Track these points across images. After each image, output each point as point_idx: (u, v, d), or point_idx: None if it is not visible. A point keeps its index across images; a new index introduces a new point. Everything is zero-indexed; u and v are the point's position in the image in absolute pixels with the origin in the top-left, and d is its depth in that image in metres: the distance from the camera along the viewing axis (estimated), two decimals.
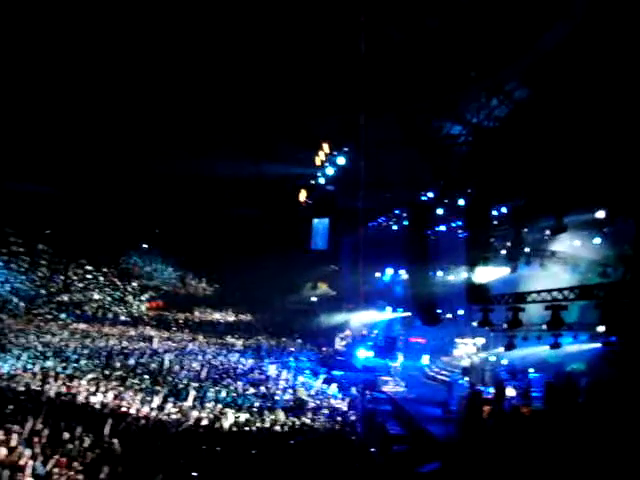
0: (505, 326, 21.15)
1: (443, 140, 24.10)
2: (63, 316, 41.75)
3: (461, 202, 26.71)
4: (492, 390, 20.33)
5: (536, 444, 14.49)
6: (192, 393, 20.04)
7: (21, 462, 10.40)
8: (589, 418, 15.57)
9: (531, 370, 24.45)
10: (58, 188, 42.88)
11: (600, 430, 13.91)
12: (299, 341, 41.09)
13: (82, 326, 37.75)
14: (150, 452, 12.61)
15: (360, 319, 39.99)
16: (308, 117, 26.76)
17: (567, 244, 23.87)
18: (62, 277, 47.42)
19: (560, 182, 18.82)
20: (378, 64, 19.47)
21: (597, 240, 21.91)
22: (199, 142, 30.97)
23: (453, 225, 30.32)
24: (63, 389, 17.90)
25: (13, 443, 11.29)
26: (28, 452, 10.85)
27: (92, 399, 17.07)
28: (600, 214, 19.85)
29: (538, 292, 20.48)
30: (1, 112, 27.74)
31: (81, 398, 17.02)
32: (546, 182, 19.62)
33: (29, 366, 21.82)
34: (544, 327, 20.64)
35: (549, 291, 19.80)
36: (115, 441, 12.80)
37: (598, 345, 21.93)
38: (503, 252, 25.41)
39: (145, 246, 52.38)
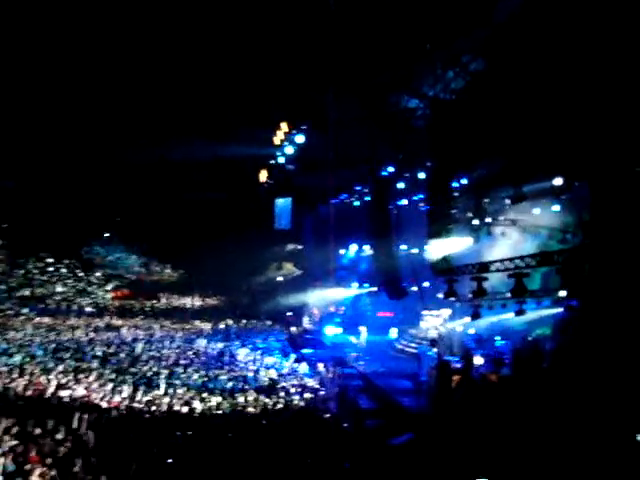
0: (470, 296, 21.43)
1: (401, 114, 24.12)
2: (25, 310, 41.02)
3: (421, 175, 26.84)
4: (460, 360, 20.63)
5: (504, 410, 14.81)
6: (162, 380, 19.99)
7: None
8: (554, 382, 15.95)
9: (497, 338, 24.88)
10: (14, 180, 41.95)
11: (564, 393, 14.28)
12: (267, 322, 41.16)
13: (46, 320, 37.18)
14: (123, 442, 12.53)
15: (327, 296, 40.13)
16: (265, 96, 26.55)
17: (527, 212, 24.20)
18: (22, 271, 46.53)
19: (518, 151, 19.03)
20: (333, 40, 19.35)
21: (556, 207, 22.24)
22: (157, 127, 30.54)
23: (415, 198, 30.46)
24: (31, 385, 17.64)
25: None
26: None
27: (61, 393, 16.88)
28: (558, 181, 20.14)
29: (501, 261, 20.79)
30: None
31: (50, 392, 16.81)
32: (504, 152, 19.82)
33: None
34: (508, 295, 21.00)
35: (511, 259, 20.11)
36: (88, 433, 12.70)
37: (561, 310, 22.44)
38: (465, 223, 25.62)
39: (107, 235, 51.63)
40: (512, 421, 13.82)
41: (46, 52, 23.34)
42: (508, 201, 23.57)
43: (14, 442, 11.51)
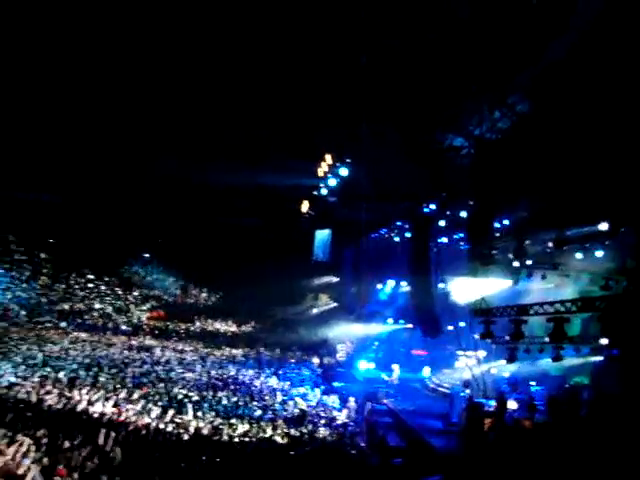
0: (507, 338, 21.08)
1: (445, 152, 24.13)
2: (64, 325, 41.71)
3: (463, 214, 26.73)
4: (493, 403, 20.22)
5: (538, 457, 14.41)
6: (192, 404, 20.04)
7: (20, 472, 10.35)
8: (591, 431, 15.48)
9: (533, 383, 24.33)
10: (61, 197, 43.10)
11: (602, 444, 13.83)
12: (299, 352, 41.01)
13: (83, 335, 37.66)
14: (149, 462, 12.55)
15: (361, 331, 39.88)
16: (311, 128, 26.86)
17: (569, 256, 23.82)
18: (63, 286, 47.45)
19: (563, 194, 18.82)
20: (380, 76, 19.56)
21: (599, 253, 21.84)
22: (201, 152, 31.07)
23: (455, 237, 30.30)
24: (63, 398, 17.85)
25: (12, 452, 11.24)
26: (27, 462, 10.80)
27: (91, 408, 17.01)
28: (603, 226, 19.78)
29: (540, 304, 20.41)
30: (5, 120, 27.90)
31: (81, 407, 16.96)
32: (549, 194, 19.62)
33: (29, 375, 21.79)
34: (546, 339, 20.59)
35: (551, 303, 19.72)
36: (115, 450, 12.76)
37: (600, 358, 21.89)
38: (505, 264, 25.31)
39: (147, 255, 52.45)
40: (545, 469, 13.44)
41: (97, 70, 24.03)
42: (550, 244, 23.25)
43: (43, 454, 11.63)
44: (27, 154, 32.65)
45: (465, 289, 24.65)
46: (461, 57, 17.80)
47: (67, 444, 12.51)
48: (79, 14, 19.81)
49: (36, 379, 20.88)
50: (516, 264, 24.33)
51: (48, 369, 23.32)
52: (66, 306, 45.70)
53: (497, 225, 24.99)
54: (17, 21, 20.42)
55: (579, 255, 22.43)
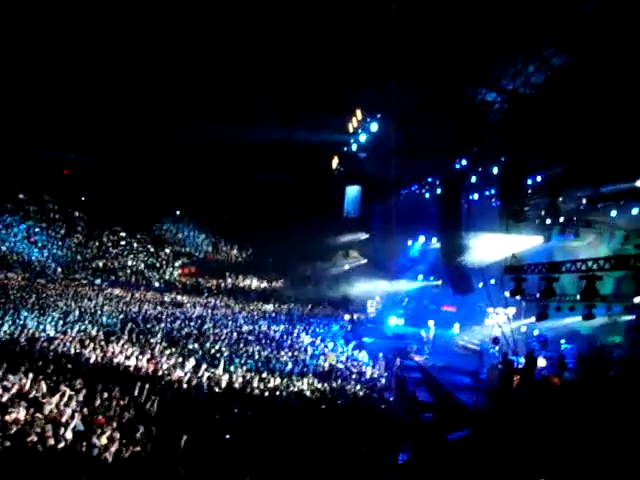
0: (538, 296, 20.93)
1: (477, 107, 23.68)
2: (98, 281, 42.59)
3: (495, 170, 26.37)
4: (523, 360, 20.24)
5: (566, 414, 14.45)
6: (224, 358, 20.42)
7: (63, 419, 10.74)
8: (621, 391, 15.44)
9: (563, 341, 24.24)
10: (94, 157, 43.58)
11: (631, 403, 13.80)
12: (329, 308, 41.34)
13: (116, 291, 38.40)
14: (183, 414, 12.88)
15: (391, 287, 39.98)
16: (341, 84, 26.54)
17: (603, 214, 23.41)
18: (97, 243, 48.30)
19: (598, 150, 18.41)
20: (412, 30, 19.15)
21: (635, 210, 21.43)
22: (233, 110, 31.00)
23: (486, 193, 29.96)
24: (100, 352, 18.32)
25: (55, 401, 11.67)
26: (69, 410, 11.19)
27: (127, 362, 17.43)
28: (639, 183, 19.38)
29: (573, 262, 20.17)
30: (41, 85, 28.20)
31: (117, 361, 17.40)
32: (584, 150, 19.21)
33: (67, 329, 22.39)
34: (578, 297, 20.38)
35: (584, 261, 19.45)
36: (149, 403, 13.12)
37: (633, 317, 21.68)
38: (537, 221, 25.02)
39: (178, 213, 52.96)
40: (573, 426, 13.48)
41: (127, 42, 24.12)
42: (584, 201, 22.88)
43: (83, 404, 12.04)
44: (62, 116, 33.01)
45: (496, 246, 24.40)
46: (496, 8, 17.34)
47: (105, 395, 12.89)
48: None
49: (74, 333, 21.45)
50: (548, 221, 24.04)
51: (85, 324, 23.91)
52: (100, 263, 46.57)
53: (529, 181, 24.62)
54: None
55: (614, 213, 22.04)
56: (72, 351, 18.13)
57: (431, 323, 31.03)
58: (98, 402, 12.37)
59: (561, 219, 24.08)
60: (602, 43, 16.07)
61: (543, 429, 13.80)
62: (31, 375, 13.23)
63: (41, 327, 21.97)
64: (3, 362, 13.87)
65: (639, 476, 10.92)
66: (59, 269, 43.63)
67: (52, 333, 21.01)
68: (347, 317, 38.30)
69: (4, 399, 11.38)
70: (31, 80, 28.80)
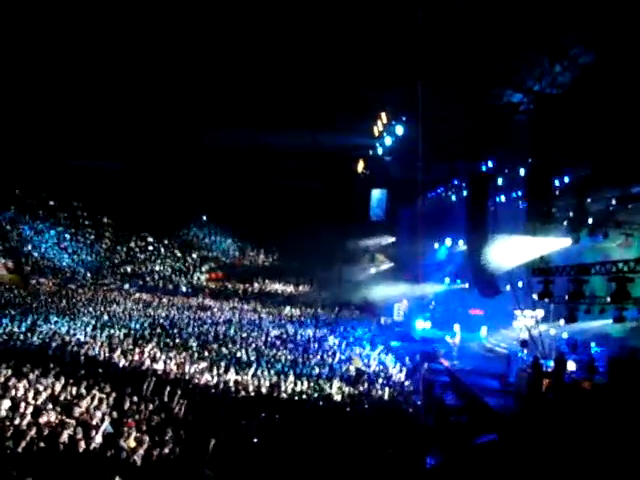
0: (566, 298, 20.68)
1: (503, 108, 23.51)
2: (126, 286, 43.11)
3: (522, 172, 26.14)
4: (552, 363, 20.00)
5: (596, 419, 14.27)
6: (251, 362, 20.52)
7: (93, 422, 10.92)
8: None
9: (592, 344, 23.92)
10: (122, 163, 44.18)
11: None
12: (357, 312, 41.31)
13: (144, 296, 38.81)
14: (211, 418, 12.98)
15: (418, 290, 39.84)
16: (366, 87, 26.55)
17: (634, 214, 23.04)
18: (125, 249, 48.89)
19: (627, 151, 18.15)
20: (438, 32, 19.09)
21: None
22: (259, 115, 31.15)
23: (513, 195, 29.71)
24: (129, 356, 18.55)
25: (86, 405, 11.86)
26: (99, 414, 11.37)
27: (155, 366, 17.62)
28: None
29: (602, 264, 19.89)
30: (70, 94, 28.73)
31: (145, 366, 17.59)
32: (612, 150, 18.95)
33: (97, 333, 22.73)
34: (608, 300, 20.09)
35: (614, 262, 19.17)
36: (178, 406, 13.25)
37: None
38: (565, 222, 24.73)
39: (205, 218, 53.37)
40: (603, 430, 13.30)
41: (151, 50, 24.43)
42: (614, 202, 22.56)
43: (112, 408, 12.21)
44: (89, 124, 33.52)
45: (523, 248, 24.18)
46: (522, 8, 17.21)
47: (134, 399, 13.06)
48: None
49: (103, 338, 21.76)
50: (577, 223, 23.75)
51: (114, 328, 24.23)
52: (128, 268, 47.13)
53: (557, 183, 24.35)
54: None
55: None
56: (102, 355, 18.42)
57: (457, 328, 30.80)
58: (127, 405, 12.53)
59: (590, 220, 23.75)
60: (630, 40, 15.86)
61: (573, 433, 13.65)
62: (62, 379, 13.48)
63: (71, 332, 22.32)
64: (36, 366, 14.17)
65: None
66: (88, 274, 44.30)
67: (82, 338, 21.33)
68: (374, 320, 38.21)
69: (36, 402, 11.63)
70: (59, 90, 29.33)
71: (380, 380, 20.63)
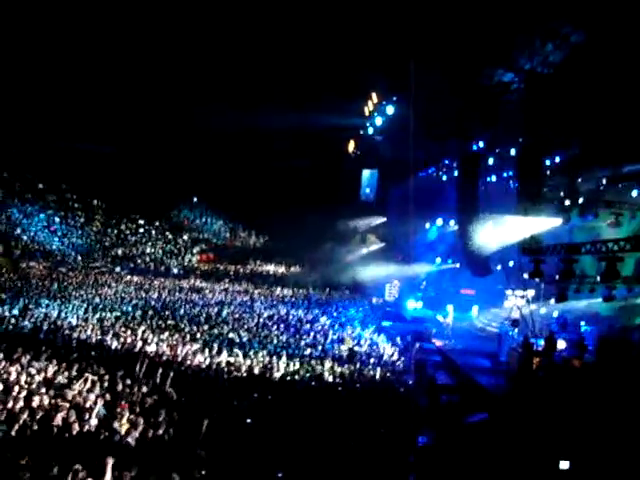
0: (557, 278, 20.80)
1: (494, 88, 23.43)
2: (118, 269, 42.96)
3: (512, 152, 26.13)
4: (542, 342, 20.16)
5: (586, 396, 14.41)
6: (244, 343, 20.59)
7: (87, 405, 10.94)
8: None
9: (582, 323, 24.12)
10: (113, 146, 43.85)
11: None
12: (348, 292, 41.39)
13: (136, 279, 38.69)
14: (204, 399, 13.02)
15: (409, 270, 39.93)
16: (357, 67, 26.40)
17: (624, 194, 23.11)
18: (116, 231, 48.67)
19: (617, 130, 18.17)
20: (428, 11, 18.97)
21: None
22: (248, 95, 30.95)
23: (504, 175, 29.73)
24: (120, 339, 18.55)
25: (79, 387, 11.89)
26: (92, 396, 11.38)
27: (148, 348, 17.62)
28: None
29: (592, 243, 19.99)
30: (61, 76, 28.44)
31: (138, 347, 17.59)
32: (603, 130, 18.96)
33: (89, 316, 22.70)
34: (598, 279, 20.22)
35: (604, 242, 19.27)
36: (171, 388, 13.28)
37: None
38: (555, 202, 24.79)
39: (195, 200, 53.15)
40: (593, 408, 13.45)
41: (144, 32, 24.22)
42: (604, 181, 22.62)
43: (106, 390, 12.24)
44: (79, 106, 33.25)
45: (514, 228, 24.25)
46: None
47: (127, 381, 13.08)
48: None
49: (95, 321, 21.74)
50: (567, 202, 23.82)
51: (105, 311, 24.19)
52: (119, 251, 46.97)
53: (547, 162, 24.37)
54: None
55: (634, 193, 21.75)
56: (94, 338, 18.41)
57: (450, 308, 30.91)
58: (120, 388, 12.55)
59: (580, 200, 23.83)
60: (621, 18, 15.79)
61: (563, 411, 13.79)
62: (54, 362, 13.48)
63: (63, 315, 22.27)
64: (28, 350, 14.15)
65: None
66: (79, 257, 44.10)
67: (74, 321, 21.29)
68: (365, 301, 38.31)
69: (29, 386, 11.63)
70: (49, 72, 29.04)
71: (372, 360, 20.73)
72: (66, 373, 13.02)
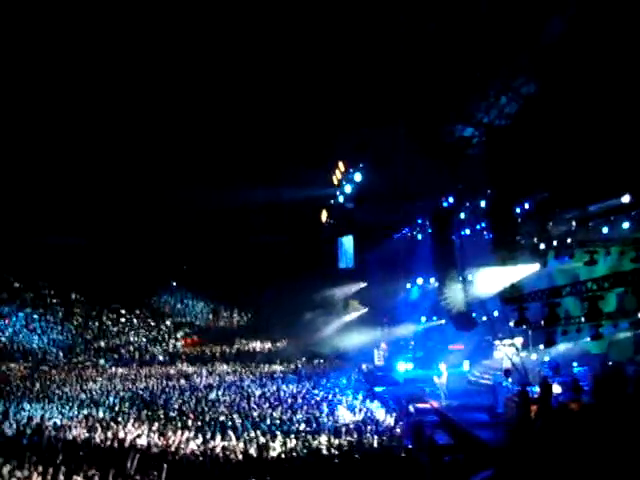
0: (542, 323, 20.84)
1: (456, 143, 24.01)
2: (102, 362, 42.18)
3: (482, 204, 26.54)
4: (537, 389, 19.98)
5: (588, 439, 14.20)
6: (237, 425, 20.10)
7: None
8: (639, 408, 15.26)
9: (575, 364, 24.03)
10: (85, 238, 43.81)
11: None
12: (337, 361, 40.97)
13: (121, 370, 37.98)
14: None
15: (395, 332, 39.74)
16: (321, 137, 26.98)
17: (596, 232, 23.48)
18: (97, 323, 48.04)
19: (581, 171, 18.61)
20: (382, 75, 19.58)
21: (626, 224, 21.51)
22: (219, 174, 31.34)
23: (477, 228, 30.09)
24: (109, 435, 18.01)
25: None
26: None
27: (139, 441, 17.12)
28: (625, 199, 19.48)
29: (572, 285, 20.15)
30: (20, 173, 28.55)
31: (128, 442, 17.08)
32: (566, 173, 19.41)
33: (74, 415, 22.08)
34: (583, 319, 20.32)
35: (583, 282, 19.47)
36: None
37: None
38: (531, 248, 25.04)
39: (174, 284, 52.92)
40: (597, 452, 13.22)
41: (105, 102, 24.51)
42: (574, 223, 22.99)
43: None
44: (46, 200, 33.31)
45: (494, 278, 24.39)
46: (460, 46, 17.78)
47: (119, 479, 12.64)
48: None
49: (81, 418, 21.14)
50: (542, 246, 24.09)
51: (91, 407, 23.58)
52: (102, 343, 46.25)
53: (518, 210, 24.76)
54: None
55: (605, 229, 22.11)
56: (81, 437, 17.86)
57: (443, 367, 30.57)
58: None
59: (554, 243, 24.13)
60: (567, 68, 16.43)
61: (566, 459, 13.54)
62: (40, 468, 12.96)
63: (47, 415, 21.64)
64: (10, 458, 13.61)
65: None
66: (61, 354, 43.26)
67: (58, 421, 20.68)
68: (355, 368, 37.84)
69: None
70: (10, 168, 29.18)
71: (368, 427, 20.33)
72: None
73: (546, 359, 25.21)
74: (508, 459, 15.60)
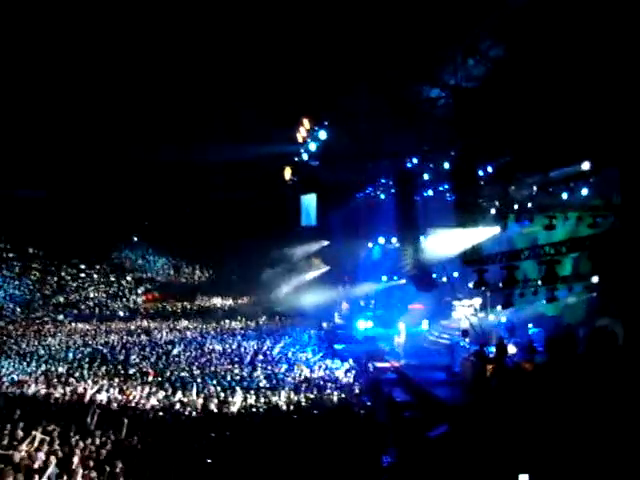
0: (501, 285, 21.25)
1: (422, 104, 23.93)
2: (61, 317, 41.71)
3: (446, 165, 26.63)
4: (493, 349, 20.48)
5: (540, 398, 14.65)
6: (197, 381, 20.19)
7: (36, 466, 10.46)
8: (589, 367, 15.75)
9: (530, 326, 24.63)
10: (44, 191, 42.73)
11: (600, 379, 14.08)
12: (298, 319, 41.27)
13: (80, 325, 37.66)
14: (161, 443, 12.69)
15: (356, 291, 40.12)
16: (286, 93, 26.59)
17: (556, 198, 23.84)
18: (56, 278, 47.30)
19: (544, 137, 18.76)
20: (350, 33, 19.31)
21: (585, 191, 21.88)
22: (180, 130, 30.77)
23: (440, 189, 30.23)
24: (69, 390, 17.93)
25: (26, 447, 11.37)
26: (41, 455, 10.91)
27: (99, 397, 17.10)
28: (585, 165, 19.76)
29: (531, 248, 20.55)
30: None
31: (88, 397, 17.04)
32: (530, 138, 19.55)
33: (33, 370, 21.89)
34: (539, 282, 20.78)
35: (541, 246, 19.88)
36: (126, 436, 12.90)
37: (593, 295, 22.20)
38: (492, 211, 25.34)
39: (136, 239, 52.30)
40: (549, 409, 13.67)
41: (79, 64, 23.81)
42: (535, 187, 23.27)
43: (58, 446, 11.74)
44: (2, 152, 32.34)
45: (455, 240, 24.66)
46: (428, 4, 17.60)
47: (78, 435, 12.61)
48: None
49: (40, 374, 20.98)
50: (503, 210, 24.39)
51: (50, 363, 23.40)
52: (61, 298, 45.66)
53: (481, 173, 24.93)
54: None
55: (565, 195, 22.46)
56: (40, 392, 17.74)
57: (402, 326, 30.98)
58: (73, 442, 12.09)
59: (515, 207, 24.44)
60: (534, 32, 16.41)
61: (519, 417, 13.96)
62: None
63: (4, 371, 21.42)
64: None
65: (621, 454, 11.07)
66: (18, 309, 42.62)
67: (16, 377, 20.50)
68: (316, 326, 38.19)
69: None
70: None
71: (328, 384, 20.65)
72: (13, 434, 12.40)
73: (503, 320, 25.78)
74: (463, 416, 16.02)
